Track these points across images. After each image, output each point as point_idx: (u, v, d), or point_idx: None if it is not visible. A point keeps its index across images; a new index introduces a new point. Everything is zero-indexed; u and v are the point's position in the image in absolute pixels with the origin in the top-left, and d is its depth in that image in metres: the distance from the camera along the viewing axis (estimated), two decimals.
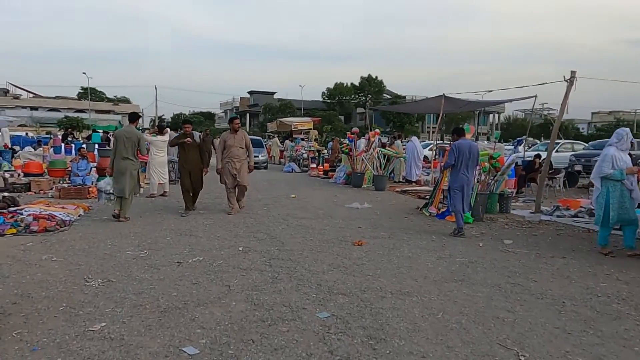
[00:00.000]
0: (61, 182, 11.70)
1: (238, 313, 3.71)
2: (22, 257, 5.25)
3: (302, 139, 28.86)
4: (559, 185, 13.08)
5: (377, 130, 14.45)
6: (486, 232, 7.54)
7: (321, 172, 18.14)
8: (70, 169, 12.04)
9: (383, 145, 14.69)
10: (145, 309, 3.76)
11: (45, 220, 6.94)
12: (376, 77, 67.52)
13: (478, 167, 9.03)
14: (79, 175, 11.22)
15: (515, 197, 11.41)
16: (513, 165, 10.05)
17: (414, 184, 15.39)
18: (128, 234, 6.59)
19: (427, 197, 10.17)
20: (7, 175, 11.82)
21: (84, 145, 17.41)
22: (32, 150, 17.77)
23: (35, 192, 10.78)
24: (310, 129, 31.13)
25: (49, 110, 66.71)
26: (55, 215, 7.32)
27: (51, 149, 17.17)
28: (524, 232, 7.65)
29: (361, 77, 67.38)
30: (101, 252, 5.52)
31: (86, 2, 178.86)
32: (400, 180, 15.47)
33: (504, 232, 7.59)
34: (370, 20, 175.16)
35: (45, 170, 12.55)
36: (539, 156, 13.74)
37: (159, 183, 10.72)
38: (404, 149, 15.24)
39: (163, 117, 77.08)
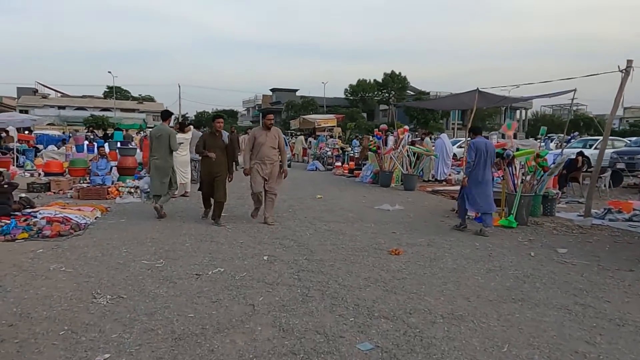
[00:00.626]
0: (82, 181, 11.40)
1: (264, 342, 3.15)
2: (29, 267, 4.82)
3: (326, 137, 28.34)
4: (605, 185, 12.15)
5: (406, 127, 13.74)
6: (534, 238, 6.82)
7: (346, 171, 17.52)
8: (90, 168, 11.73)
9: (412, 143, 13.98)
10: (157, 334, 3.24)
11: (59, 224, 6.53)
12: (399, 73, 66.34)
13: (522, 168, 8.34)
14: (98, 175, 10.88)
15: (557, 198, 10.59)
16: (563, 164, 9.26)
17: (443, 182, 14.66)
18: (144, 239, 6.11)
19: None
20: (27, 174, 11.59)
21: (106, 144, 17.30)
22: (56, 149, 17.69)
23: (54, 192, 10.47)
24: (334, 126, 30.49)
25: (76, 109, 67.74)
26: (70, 219, 6.92)
27: (73, 148, 17.04)
28: (577, 238, 6.90)
29: (384, 74, 66.32)
30: (114, 262, 5.05)
31: (113, 2, 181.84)
32: (430, 179, 14.75)
33: (554, 238, 6.86)
34: (393, 16, 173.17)
35: (66, 170, 12.26)
36: (581, 154, 12.82)
37: (180, 183, 10.28)
38: (433, 147, 14.49)
39: (187, 115, 77.70)
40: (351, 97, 65.97)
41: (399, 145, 13.13)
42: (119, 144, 17.25)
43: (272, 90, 76.34)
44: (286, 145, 22.63)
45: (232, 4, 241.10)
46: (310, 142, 27.95)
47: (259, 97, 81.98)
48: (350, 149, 21.04)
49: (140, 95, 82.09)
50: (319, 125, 30.71)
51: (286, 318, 3.56)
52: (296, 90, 73.30)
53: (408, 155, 12.57)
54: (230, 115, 78.43)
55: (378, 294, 4.15)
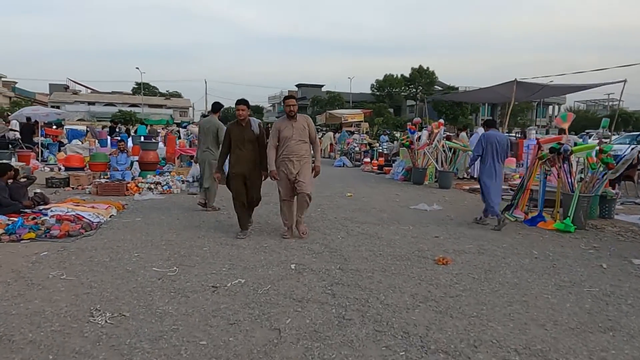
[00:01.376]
0: (102, 176, 10.98)
1: None
2: (28, 273, 4.26)
3: (352, 132, 27.54)
4: None
5: (441, 121, 12.85)
6: (599, 245, 5.93)
7: (375, 167, 16.72)
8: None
9: (448, 138, 13.10)
10: None
11: (70, 222, 6.00)
12: (427, 67, 64.94)
13: (578, 164, 7.45)
14: (118, 170, 10.42)
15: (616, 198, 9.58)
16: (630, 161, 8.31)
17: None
18: (159, 242, 5.52)
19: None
20: (47, 169, 11.25)
21: (129, 138, 17.00)
22: (79, 143, 17.47)
23: (72, 188, 10.06)
24: (361, 121, 29.68)
25: (105, 105, 68.87)
26: (83, 217, 6.40)
27: (97, 142, 16.77)
28: None
29: (412, 68, 65.02)
30: (122, 268, 4.45)
31: (138, 1, 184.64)
32: (464, 176, 13.83)
33: (622, 245, 5.96)
34: (420, 10, 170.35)
35: (87, 164, 11.88)
36: None
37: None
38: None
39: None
40: (377, 93, 64.99)
41: (433, 140, 12.28)
42: (142, 139, 16.95)
43: (298, 85, 75.83)
44: None
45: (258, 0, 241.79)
46: (337, 137, 27.25)
47: (285, 92, 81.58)
48: (377, 144, 20.21)
49: (167, 91, 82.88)
50: (346, 120, 29.94)
51: (320, 350, 2.86)
52: (322, 85, 72.65)
53: (445, 151, 11.68)
54: (255, 111, 78.15)
55: (430, 317, 3.41)
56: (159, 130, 26.88)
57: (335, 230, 6.39)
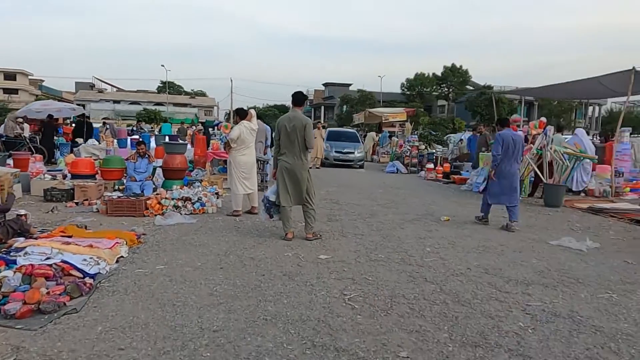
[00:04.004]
0: (117, 187, 8.61)
1: None
2: None
3: (392, 134, 24.85)
4: None
5: (543, 120, 10.09)
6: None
7: (440, 175, 14.04)
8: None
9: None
10: None
11: (46, 281, 3.56)
12: (460, 66, 61.96)
13: None
14: (136, 180, 8.01)
15: None
16: None
17: (582, 194, 10.94)
18: (190, 324, 3.02)
19: None
20: (48, 176, 8.92)
21: (152, 138, 14.69)
22: (96, 143, 15.26)
23: (77, 203, 7.71)
24: (404, 120, 26.93)
25: (130, 104, 68.03)
26: (72, 266, 3.96)
27: (115, 142, 14.51)
28: None
29: (444, 67, 62.14)
30: None
31: (166, 1, 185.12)
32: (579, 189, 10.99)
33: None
34: (449, 10, 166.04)
35: (98, 171, 9.53)
36: None
37: (243, 194, 7.21)
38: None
39: (253, 109, 75.67)
40: (408, 92, 62.31)
41: (530, 145, 9.53)
42: (166, 139, 14.63)
43: (325, 84, 73.44)
44: (359, 141, 19.06)
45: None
46: (378, 138, 24.61)
47: (311, 91, 79.39)
48: (424, 147, 17.28)
49: (192, 90, 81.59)
50: (387, 119, 27.26)
51: None
52: (349, 84, 70.19)
53: (562, 159, 8.89)
54: (281, 110, 76.12)
55: None
56: (187, 128, 24.63)
57: (504, 312, 3.77)
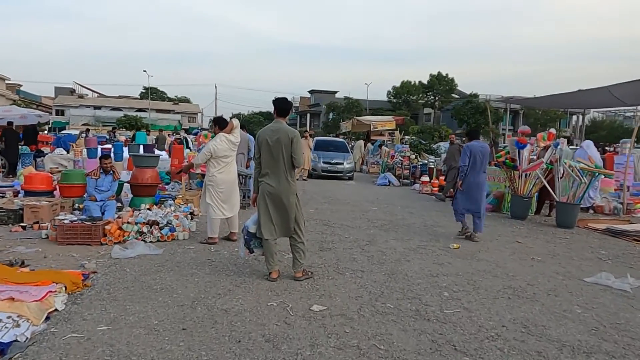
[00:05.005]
0: (77, 205, 7.47)
1: None
2: None
3: (382, 142, 23.95)
4: None
5: (553, 131, 9.23)
6: None
7: (436, 188, 13.13)
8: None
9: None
10: None
11: None
12: (447, 74, 62.01)
13: None
14: (96, 200, 6.88)
15: None
16: None
17: (590, 211, 10.15)
18: None
19: None
20: None
21: (125, 148, 13.48)
22: (64, 152, 14.02)
23: (24, 227, 6.56)
24: (393, 129, 26.11)
25: (111, 110, 66.43)
26: None
27: (84, 152, 13.28)
28: None
29: (430, 75, 62.07)
30: None
31: (151, 6, 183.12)
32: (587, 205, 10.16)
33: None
34: (436, 19, 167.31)
35: (56, 187, 8.35)
36: None
37: (219, 218, 6.14)
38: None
39: (236, 118, 74.14)
40: (394, 100, 62.00)
41: (541, 160, 8.66)
42: (141, 148, 13.45)
43: (311, 91, 72.71)
44: (349, 152, 17.97)
45: (270, 6, 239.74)
46: (368, 148, 23.70)
47: (297, 98, 78.61)
48: (414, 156, 16.33)
49: (176, 96, 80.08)
50: (375, 128, 26.38)
51: None
52: (335, 92, 69.63)
53: (578, 175, 7.99)
54: (266, 117, 75.05)
55: None
56: (167, 137, 23.33)
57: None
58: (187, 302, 3.85)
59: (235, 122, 6.20)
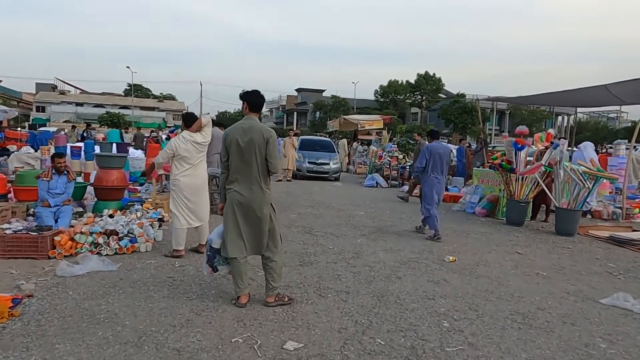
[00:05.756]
0: (32, 210, 6.69)
1: None
2: None
3: (368, 142, 23.34)
4: None
5: (551, 131, 8.68)
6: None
7: None
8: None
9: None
10: None
11: None
12: (434, 74, 61.94)
13: None
14: (49, 206, 6.10)
15: None
16: None
17: (588, 216, 9.63)
18: None
19: None
20: None
21: (97, 146, 12.62)
22: (32, 150, 13.12)
23: None
24: (381, 128, 25.52)
25: (94, 107, 65.07)
26: None
27: (52, 150, 12.40)
28: None
29: (417, 74, 61.93)
30: None
31: (137, 2, 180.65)
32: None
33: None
34: (423, 19, 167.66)
35: (11, 190, 7.54)
36: None
37: (191, 227, 5.43)
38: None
39: (208, 114, 73.29)
40: (381, 99, 61.70)
41: (540, 162, 8.09)
42: (114, 148, 12.58)
43: (298, 90, 71.92)
44: (335, 151, 17.25)
45: (258, 4, 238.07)
46: (354, 147, 23.05)
47: (284, 97, 77.75)
48: (402, 156, 15.72)
49: (161, 93, 78.72)
50: (363, 127, 25.76)
51: None
52: (323, 90, 69.06)
53: (580, 180, 7.42)
54: None
55: None
56: (146, 135, 22.36)
57: None
58: (132, 338, 3.15)
59: (205, 119, 5.48)
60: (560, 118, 69.91)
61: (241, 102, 3.90)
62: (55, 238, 5.20)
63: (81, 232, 5.37)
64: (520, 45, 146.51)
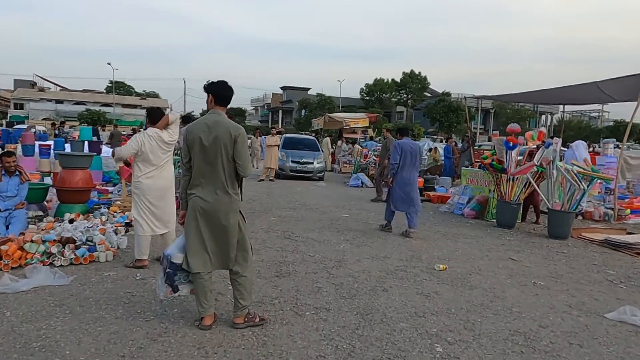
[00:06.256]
0: None
1: None
2: None
3: (353, 141, 22.91)
4: None
5: (543, 130, 8.32)
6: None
7: None
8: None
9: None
10: None
11: None
12: (419, 72, 61.86)
13: None
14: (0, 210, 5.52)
15: None
16: None
17: (579, 217, 9.32)
18: None
19: None
20: None
21: (67, 145, 11.95)
22: None
23: None
24: (366, 127, 25.11)
25: (74, 104, 63.72)
26: None
27: (19, 149, 11.72)
28: None
29: (403, 73, 61.84)
30: None
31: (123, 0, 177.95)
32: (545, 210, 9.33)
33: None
34: (409, 18, 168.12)
35: None
36: None
37: (156, 235, 4.90)
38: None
39: (192, 113, 72.35)
40: (367, 98, 61.44)
41: (533, 162, 7.72)
42: (86, 146, 11.94)
43: (283, 88, 71.29)
44: (319, 150, 16.76)
45: (242, 2, 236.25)
46: (339, 146, 22.59)
47: (269, 95, 77.01)
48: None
49: (144, 91, 77.36)
50: (348, 125, 25.32)
51: None
52: (308, 88, 68.62)
53: (576, 181, 7.05)
54: (237, 113, 73.16)
55: None
56: (123, 132, 21.63)
57: None
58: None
59: (173, 116, 4.95)
60: (544, 117, 70.51)
61: (206, 95, 3.40)
62: (2, 247, 4.64)
63: (32, 241, 4.80)
64: (504, 44, 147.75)
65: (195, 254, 3.25)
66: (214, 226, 3.24)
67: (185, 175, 3.34)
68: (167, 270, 3.36)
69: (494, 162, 7.86)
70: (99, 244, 5.11)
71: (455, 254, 5.98)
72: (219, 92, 3.36)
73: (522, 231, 7.90)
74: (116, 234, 5.75)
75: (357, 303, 3.98)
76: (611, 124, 62.27)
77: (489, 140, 33.90)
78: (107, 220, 6.47)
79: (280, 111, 67.16)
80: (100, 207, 7.22)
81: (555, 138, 7.56)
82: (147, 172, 4.76)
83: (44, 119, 47.56)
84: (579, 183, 6.91)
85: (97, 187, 9.02)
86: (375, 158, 15.46)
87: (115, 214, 6.86)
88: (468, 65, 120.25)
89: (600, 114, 72.22)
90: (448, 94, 57.64)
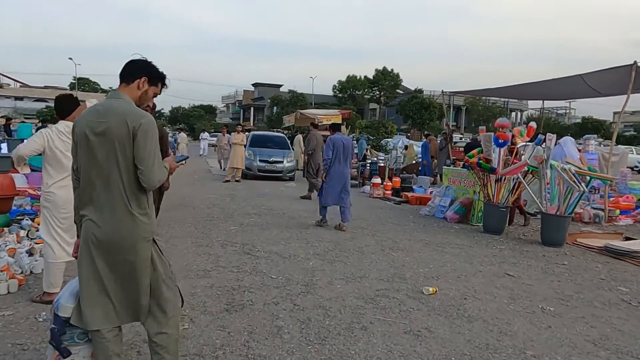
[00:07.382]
0: None
1: None
2: None
3: (323, 139, 21.91)
4: None
5: (533, 125, 7.55)
6: None
7: (389, 192, 11.28)
8: None
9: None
10: None
11: None
12: (392, 70, 61.44)
13: None
14: None
15: None
16: None
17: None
18: None
19: None
20: None
21: (4, 144, 10.58)
22: None
23: None
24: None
25: (35, 101, 60.94)
26: None
27: None
28: None
29: (376, 70, 61.26)
30: None
31: None
32: (536, 211, 8.62)
33: None
34: (381, 16, 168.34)
35: None
36: None
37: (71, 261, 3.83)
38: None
39: (162, 110, 69.94)
40: (340, 95, 60.65)
41: (526, 161, 6.94)
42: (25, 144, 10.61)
43: (255, 85, 69.80)
44: (289, 148, 15.77)
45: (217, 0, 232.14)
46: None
47: (240, 92, 75.35)
48: (383, 156, 14.62)
49: (110, 87, 74.58)
50: (320, 122, 24.34)
51: None
52: (280, 85, 67.49)
53: (574, 181, 6.27)
54: (208, 111, 71.25)
55: None
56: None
57: None
58: None
59: (91, 104, 3.88)
60: (513, 114, 71.30)
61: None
62: None
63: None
64: (476, 44, 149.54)
65: (91, 303, 2.22)
66: (115, 262, 2.22)
67: (76, 189, 2.32)
68: (52, 326, 2.31)
69: (481, 161, 7.03)
70: (2, 270, 4.01)
71: (443, 269, 5.11)
72: (122, 68, 2.35)
73: (512, 237, 7.12)
74: (31, 254, 4.65)
75: (329, 351, 3.03)
76: (579, 120, 63.28)
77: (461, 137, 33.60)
78: (26, 234, 5.36)
79: (252, 108, 65.73)
80: (24, 218, 6.06)
81: (549, 134, 6.77)
82: (60, 180, 3.69)
83: (1, 117, 45.02)
84: (578, 184, 6.14)
85: (34, 191, 7.82)
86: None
87: (39, 226, 5.73)
88: (440, 63, 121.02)
89: (568, 111, 73.45)
90: (420, 91, 57.33)
